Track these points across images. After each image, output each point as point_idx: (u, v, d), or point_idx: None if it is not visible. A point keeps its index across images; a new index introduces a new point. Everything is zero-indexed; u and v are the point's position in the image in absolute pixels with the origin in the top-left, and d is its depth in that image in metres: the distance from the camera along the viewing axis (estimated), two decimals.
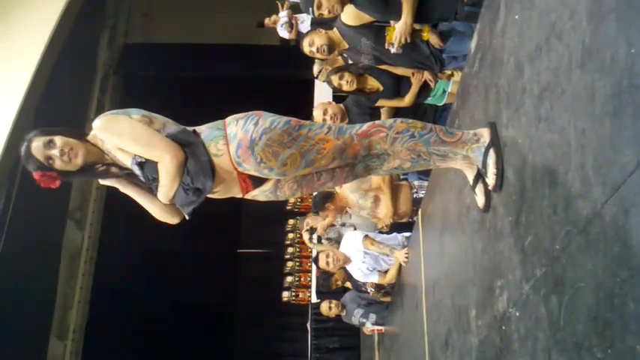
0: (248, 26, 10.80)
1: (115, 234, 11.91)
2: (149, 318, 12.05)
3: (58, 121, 7.84)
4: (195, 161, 2.47)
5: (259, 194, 2.62)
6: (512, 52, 2.33)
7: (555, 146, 1.87)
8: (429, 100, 4.68)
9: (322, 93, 9.38)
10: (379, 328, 7.33)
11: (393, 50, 4.08)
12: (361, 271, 6.02)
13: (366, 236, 5.84)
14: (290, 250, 11.30)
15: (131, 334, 11.70)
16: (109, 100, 12.47)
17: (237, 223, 13.43)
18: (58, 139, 2.48)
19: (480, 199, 2.62)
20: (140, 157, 2.47)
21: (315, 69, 6.43)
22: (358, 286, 6.66)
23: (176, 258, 12.45)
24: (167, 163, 2.43)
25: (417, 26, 4.04)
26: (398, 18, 3.91)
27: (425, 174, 5.12)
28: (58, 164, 2.49)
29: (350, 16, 4.12)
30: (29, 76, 8.68)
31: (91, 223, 12.02)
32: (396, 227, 5.73)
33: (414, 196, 5.39)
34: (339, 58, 5.25)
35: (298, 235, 10.89)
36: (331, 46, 4.36)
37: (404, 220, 5.57)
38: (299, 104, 9.91)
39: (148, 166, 2.47)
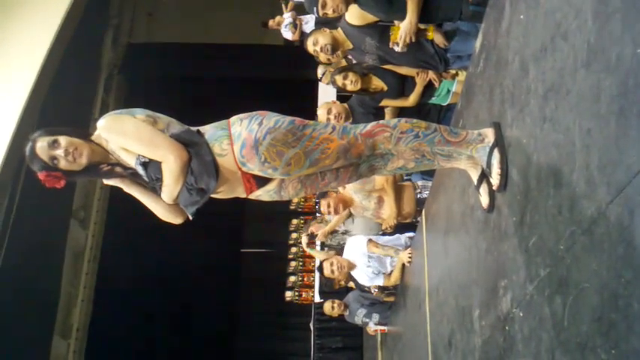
0: (252, 26, 10.79)
1: (118, 233, 11.93)
2: (152, 317, 12.08)
3: (63, 120, 7.87)
4: (199, 161, 2.47)
5: (263, 194, 2.62)
6: (517, 52, 2.32)
7: (560, 146, 1.87)
8: (434, 100, 4.67)
9: (326, 93, 9.39)
10: (382, 328, 7.33)
11: (397, 49, 4.07)
12: (367, 275, 6.02)
13: (370, 240, 5.84)
14: (293, 249, 11.32)
15: (134, 333, 11.72)
16: (113, 100, 12.49)
17: (241, 223, 13.44)
18: (63, 139, 2.49)
19: (484, 200, 2.61)
20: (144, 157, 2.48)
21: (319, 71, 6.43)
22: (361, 286, 6.66)
23: (179, 257, 12.46)
24: (171, 163, 2.43)
25: (421, 26, 4.03)
26: (402, 18, 3.90)
27: (428, 174, 5.12)
28: (63, 164, 2.49)
29: (354, 15, 4.11)
30: (33, 75, 8.68)
31: (94, 223, 12.04)
32: (399, 228, 5.72)
33: (418, 196, 5.39)
34: (344, 60, 5.25)
35: (302, 236, 10.90)
36: (335, 46, 4.36)
37: (408, 221, 5.57)
38: (303, 104, 9.91)
39: (151, 166, 2.47)
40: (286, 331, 12.67)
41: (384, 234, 6.10)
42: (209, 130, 2.54)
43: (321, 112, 5.07)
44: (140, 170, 2.51)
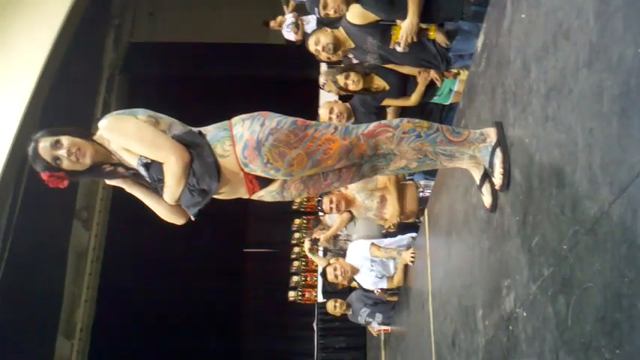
0: (254, 25, 10.79)
1: (121, 233, 11.95)
2: (155, 317, 12.09)
3: (65, 121, 7.86)
4: (201, 162, 2.46)
5: (266, 195, 2.62)
6: (519, 51, 2.32)
7: (562, 146, 1.86)
8: (436, 99, 4.67)
9: (328, 93, 9.38)
10: (385, 327, 7.33)
11: (399, 49, 4.07)
12: (370, 279, 6.01)
13: (372, 244, 5.83)
14: (296, 249, 11.33)
15: (137, 333, 11.73)
16: (114, 100, 12.51)
17: (244, 223, 13.45)
18: (65, 140, 2.48)
19: (487, 199, 2.61)
20: (146, 157, 2.48)
21: (321, 80, 6.43)
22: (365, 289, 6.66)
23: (182, 258, 12.47)
24: (172, 164, 2.43)
25: (423, 25, 4.03)
26: (404, 17, 3.90)
27: (431, 174, 5.11)
28: (66, 164, 2.49)
29: (356, 15, 4.11)
30: (35, 75, 8.70)
31: (97, 223, 12.07)
32: (401, 229, 5.72)
33: (420, 195, 5.39)
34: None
35: (304, 235, 10.90)
36: (337, 45, 4.35)
37: (410, 221, 5.57)
38: (305, 104, 9.91)
39: (153, 166, 2.47)
40: (289, 330, 12.68)
41: (386, 236, 6.10)
42: (211, 131, 2.54)
43: (322, 112, 5.07)
44: (142, 171, 2.51)
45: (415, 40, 3.98)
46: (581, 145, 1.74)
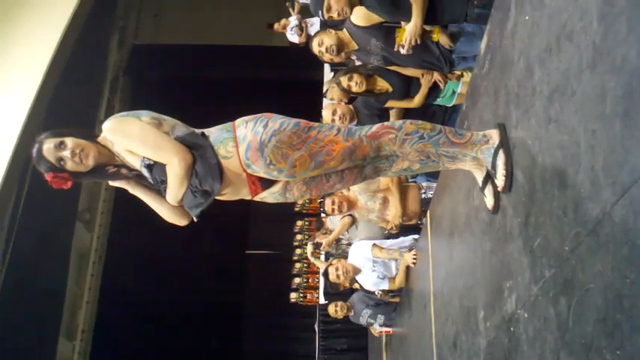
0: (258, 27, 10.82)
1: (123, 235, 11.97)
2: (157, 318, 12.10)
3: (69, 122, 7.89)
4: (204, 164, 2.47)
5: (268, 196, 2.62)
6: (522, 53, 2.32)
7: (565, 147, 1.87)
8: (439, 101, 4.67)
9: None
10: (387, 329, 7.33)
11: (403, 52, 4.08)
12: (372, 279, 6.01)
13: (374, 244, 5.83)
14: (298, 251, 11.33)
15: (139, 335, 11.75)
16: (118, 101, 12.54)
17: (246, 225, 13.45)
18: (70, 141, 2.49)
19: (489, 201, 2.61)
20: (149, 159, 2.48)
21: (324, 88, 6.44)
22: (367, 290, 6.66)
23: (184, 259, 12.49)
24: (175, 165, 2.44)
25: (427, 27, 4.03)
26: (407, 19, 3.91)
27: (433, 176, 5.12)
28: (70, 165, 2.50)
29: (359, 16, 4.12)
30: (39, 77, 8.72)
31: (99, 225, 12.09)
32: (404, 230, 5.72)
33: (422, 196, 5.39)
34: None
35: (306, 237, 10.91)
36: (340, 47, 4.36)
37: (412, 222, 5.57)
38: (308, 106, 9.92)
39: (156, 168, 2.48)
40: (291, 332, 12.69)
41: (388, 237, 6.10)
42: (214, 133, 2.54)
43: (325, 113, 5.08)
44: (145, 172, 2.51)
45: (419, 42, 3.98)
46: (583, 146, 1.74)
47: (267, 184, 2.56)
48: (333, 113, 4.99)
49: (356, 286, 6.80)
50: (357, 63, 5.09)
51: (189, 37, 13.17)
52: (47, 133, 2.55)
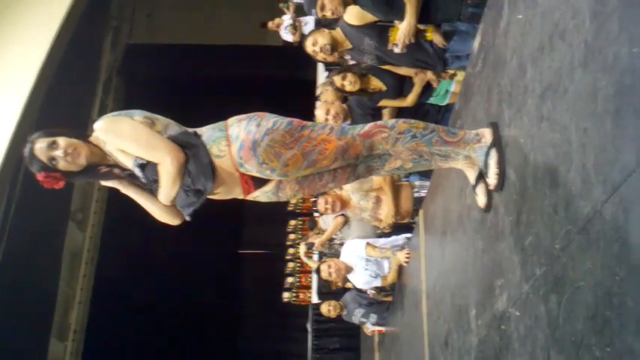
0: (251, 27, 10.82)
1: (116, 235, 11.96)
2: (149, 319, 12.09)
3: (61, 122, 7.87)
4: (196, 163, 2.47)
5: (261, 195, 2.62)
6: (515, 52, 2.33)
7: (557, 145, 1.87)
8: (432, 100, 4.67)
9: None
10: (380, 328, 7.33)
11: (396, 50, 4.08)
12: (364, 278, 6.02)
13: (368, 243, 5.83)
14: (291, 250, 11.32)
15: (131, 335, 11.73)
16: (112, 102, 12.52)
17: (239, 224, 13.45)
18: (62, 140, 2.49)
19: (481, 199, 2.62)
20: (141, 158, 2.48)
21: (318, 91, 6.45)
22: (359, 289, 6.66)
23: (177, 259, 12.48)
24: (168, 164, 2.43)
25: (420, 26, 4.04)
26: (401, 18, 3.91)
27: (426, 175, 5.12)
28: (62, 165, 2.49)
29: (353, 15, 4.12)
30: (33, 76, 8.70)
31: (92, 224, 12.07)
32: (396, 229, 5.72)
33: (415, 195, 5.40)
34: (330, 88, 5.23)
35: (299, 237, 10.91)
36: (334, 46, 4.35)
37: (406, 221, 5.57)
38: (302, 105, 9.93)
39: (149, 167, 2.48)
40: (284, 331, 12.69)
41: (381, 236, 6.11)
42: (207, 132, 2.54)
43: (319, 113, 5.07)
44: (137, 172, 2.51)
45: (413, 41, 3.99)
46: (575, 144, 1.75)
47: (260, 183, 2.56)
48: (327, 112, 4.99)
49: (349, 285, 6.81)
50: (351, 62, 5.09)
51: (182, 36, 13.16)
52: (39, 133, 2.54)
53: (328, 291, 7.56)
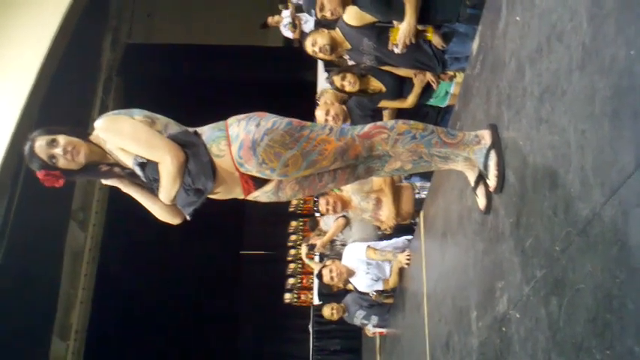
0: (251, 27, 10.82)
1: (117, 235, 11.95)
2: (151, 319, 12.08)
3: (62, 122, 7.85)
4: (197, 162, 2.47)
5: (261, 195, 2.63)
6: (514, 54, 2.33)
7: (555, 147, 1.87)
8: (432, 102, 4.67)
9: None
10: (381, 330, 7.32)
11: (396, 51, 4.08)
12: (366, 281, 6.01)
13: (369, 246, 5.83)
14: (292, 252, 11.30)
15: (133, 335, 11.73)
16: (112, 101, 12.51)
17: (240, 225, 13.43)
18: (62, 138, 2.50)
19: (481, 201, 2.62)
20: (141, 157, 2.48)
21: (318, 93, 6.46)
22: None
23: (178, 259, 12.47)
24: (168, 163, 2.44)
25: (419, 27, 4.04)
26: (400, 19, 3.91)
27: (427, 176, 5.12)
28: (62, 163, 2.50)
29: (352, 16, 4.12)
30: (33, 76, 8.70)
31: (93, 224, 12.06)
32: (397, 231, 5.72)
33: (416, 196, 5.39)
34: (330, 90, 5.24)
35: (301, 238, 10.90)
36: (334, 46, 4.36)
37: (407, 222, 5.57)
38: (302, 106, 9.92)
39: (149, 166, 2.48)
40: (284, 333, 12.66)
41: (382, 238, 6.10)
42: (207, 131, 2.54)
43: (319, 113, 5.07)
44: (137, 171, 2.52)
45: (413, 41, 3.99)
46: (573, 146, 1.75)
47: (260, 183, 2.56)
48: (327, 113, 4.99)
49: (350, 286, 6.80)
50: (350, 62, 5.09)
51: (182, 37, 13.17)
52: (39, 131, 2.55)
53: (329, 292, 7.55)
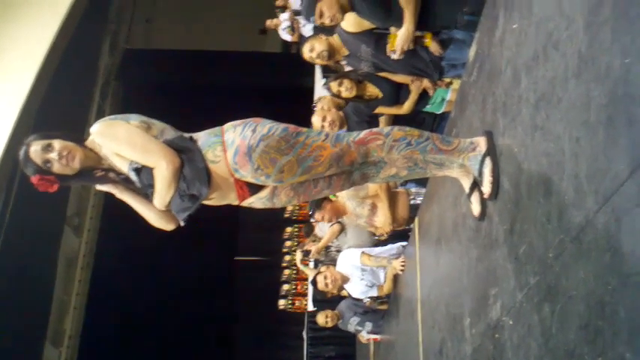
0: (250, 33, 10.84)
1: (112, 241, 11.93)
2: (145, 325, 12.06)
3: (59, 126, 7.85)
4: (192, 167, 2.47)
5: (256, 201, 2.62)
6: (510, 61, 2.34)
7: (550, 155, 1.88)
8: (428, 108, 4.67)
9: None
10: (375, 336, 7.31)
11: (394, 57, 4.09)
12: (360, 288, 6.01)
13: (363, 252, 5.83)
14: (287, 258, 11.31)
15: (126, 341, 11.69)
16: (109, 106, 12.52)
17: (235, 231, 13.43)
18: (57, 143, 2.49)
19: (476, 208, 2.62)
20: (137, 162, 2.48)
21: (315, 100, 6.47)
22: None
23: (173, 265, 12.45)
24: (163, 169, 2.43)
25: (417, 33, 4.04)
26: (399, 25, 3.92)
27: (422, 182, 5.12)
28: (56, 168, 2.49)
29: (350, 23, 4.13)
30: (30, 80, 8.70)
31: (88, 230, 12.05)
32: (392, 237, 5.72)
33: (412, 202, 5.39)
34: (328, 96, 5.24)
35: (296, 244, 10.90)
36: (331, 52, 4.37)
37: (402, 228, 5.57)
38: (299, 112, 9.93)
39: (144, 172, 2.48)
40: (279, 339, 12.65)
41: (376, 245, 6.10)
42: (202, 137, 2.54)
43: (315, 119, 5.07)
44: (133, 176, 2.51)
45: (411, 47, 4.00)
46: (568, 154, 1.75)
47: (255, 189, 2.56)
48: (323, 120, 4.98)
49: (344, 292, 6.79)
50: (347, 68, 5.10)
51: (181, 42, 13.19)
52: (35, 136, 2.54)
53: (324, 299, 7.55)
